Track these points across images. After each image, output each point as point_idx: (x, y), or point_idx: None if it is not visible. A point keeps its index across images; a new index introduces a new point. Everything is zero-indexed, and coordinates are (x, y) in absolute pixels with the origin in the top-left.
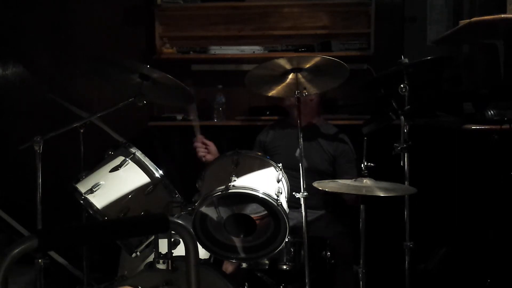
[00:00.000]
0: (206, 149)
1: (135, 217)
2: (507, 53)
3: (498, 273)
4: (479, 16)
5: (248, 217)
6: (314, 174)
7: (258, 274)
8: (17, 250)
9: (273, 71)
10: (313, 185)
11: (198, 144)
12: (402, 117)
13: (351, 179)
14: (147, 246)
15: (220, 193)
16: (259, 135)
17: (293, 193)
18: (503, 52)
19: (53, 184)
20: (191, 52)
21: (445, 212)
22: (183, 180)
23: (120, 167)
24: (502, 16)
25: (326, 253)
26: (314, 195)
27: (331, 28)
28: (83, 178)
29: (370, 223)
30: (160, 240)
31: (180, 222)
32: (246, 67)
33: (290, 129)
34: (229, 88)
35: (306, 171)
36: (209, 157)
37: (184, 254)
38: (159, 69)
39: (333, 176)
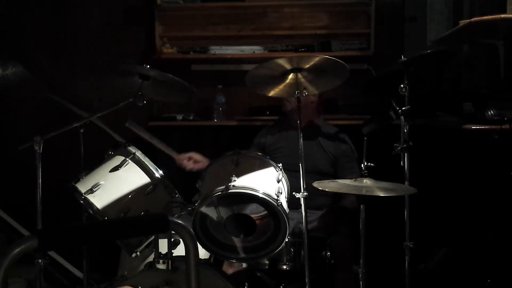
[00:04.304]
0: (191, 161)
1: (135, 217)
2: (507, 53)
3: (498, 273)
4: (479, 16)
5: (248, 217)
6: (316, 175)
7: (258, 274)
8: (17, 250)
9: (273, 71)
10: (314, 186)
11: (182, 162)
12: (402, 117)
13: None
14: (147, 246)
15: (220, 193)
16: (256, 138)
17: (293, 193)
18: (503, 52)
19: (53, 184)
20: (191, 52)
21: (445, 212)
22: (183, 180)
23: (120, 167)
24: (502, 16)
25: (326, 253)
26: (315, 196)
27: (331, 28)
28: (83, 178)
29: (370, 223)
30: (160, 240)
31: (180, 222)
32: (246, 67)
33: (290, 130)
34: (229, 88)
35: (308, 172)
36: (200, 165)
37: (184, 254)
38: (159, 69)
39: (335, 177)
